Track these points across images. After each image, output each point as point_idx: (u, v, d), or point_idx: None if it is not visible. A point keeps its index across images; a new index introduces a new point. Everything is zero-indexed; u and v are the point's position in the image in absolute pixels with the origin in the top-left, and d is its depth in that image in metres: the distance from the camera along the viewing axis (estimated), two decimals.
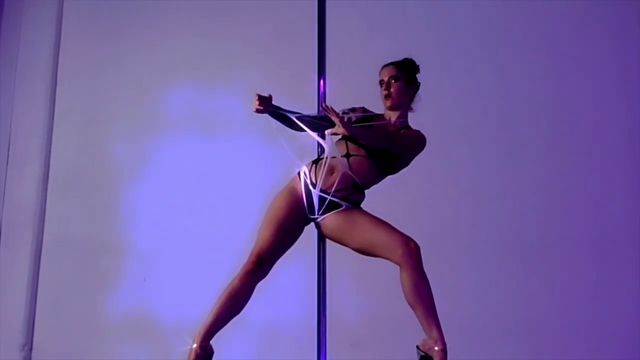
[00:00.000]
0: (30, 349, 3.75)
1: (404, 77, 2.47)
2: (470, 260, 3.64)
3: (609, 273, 3.64)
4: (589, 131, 3.81)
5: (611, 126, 3.81)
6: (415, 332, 3.04)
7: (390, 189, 3.66)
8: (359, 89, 3.35)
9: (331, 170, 2.33)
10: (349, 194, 2.32)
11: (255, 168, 3.83)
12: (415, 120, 3.95)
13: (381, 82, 2.48)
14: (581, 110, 3.83)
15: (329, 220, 2.33)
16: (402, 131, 2.41)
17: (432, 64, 3.72)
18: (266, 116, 2.78)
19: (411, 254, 2.23)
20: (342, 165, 2.33)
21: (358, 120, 2.44)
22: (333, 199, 2.29)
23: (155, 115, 3.99)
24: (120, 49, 4.10)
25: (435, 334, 2.21)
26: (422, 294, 2.24)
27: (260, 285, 3.31)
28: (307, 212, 2.34)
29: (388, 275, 3.26)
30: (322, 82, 2.73)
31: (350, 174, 2.32)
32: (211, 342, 2.32)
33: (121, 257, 3.81)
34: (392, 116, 2.44)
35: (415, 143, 2.44)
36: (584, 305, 3.59)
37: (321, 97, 2.72)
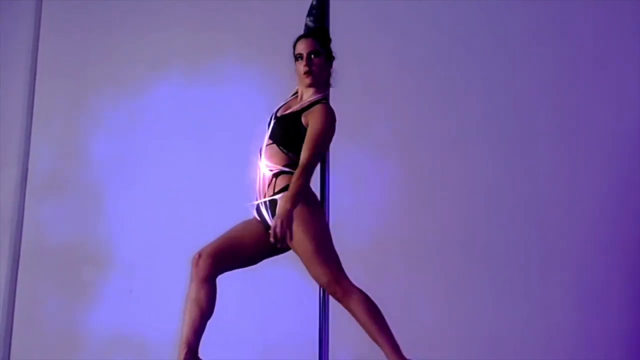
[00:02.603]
0: None
1: (324, 52, 2.40)
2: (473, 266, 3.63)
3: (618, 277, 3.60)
4: (603, 134, 3.77)
5: (626, 128, 3.75)
6: (423, 347, 3.05)
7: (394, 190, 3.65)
8: (356, 89, 3.62)
9: (264, 181, 2.44)
10: (277, 185, 2.38)
11: (248, 172, 3.75)
12: (424, 120, 3.98)
13: (298, 57, 2.39)
14: (594, 112, 3.79)
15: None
16: (315, 107, 2.38)
17: (437, 63, 3.92)
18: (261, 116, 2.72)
19: (334, 289, 2.29)
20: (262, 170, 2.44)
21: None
22: (267, 199, 2.39)
23: (141, 114, 3.97)
24: (103, 43, 4.11)
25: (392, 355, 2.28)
26: (369, 318, 2.31)
27: (260, 299, 3.63)
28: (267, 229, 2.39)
29: (393, 287, 3.54)
30: None
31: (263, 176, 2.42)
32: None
33: (105, 267, 3.78)
34: (306, 94, 2.40)
35: (330, 126, 2.40)
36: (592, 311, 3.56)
37: None
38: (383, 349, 2.30)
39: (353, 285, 2.35)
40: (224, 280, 2.76)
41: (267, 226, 2.39)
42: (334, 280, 2.29)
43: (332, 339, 2.59)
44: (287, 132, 2.39)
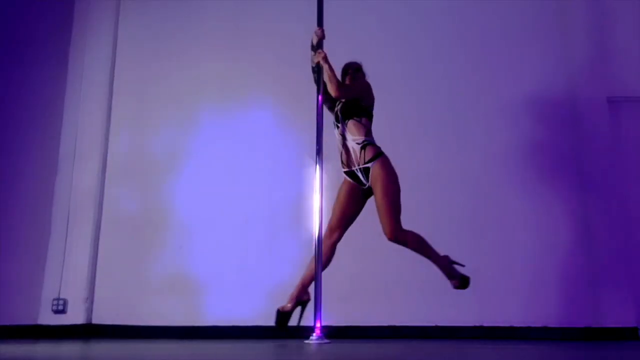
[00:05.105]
0: (92, 302, 4.01)
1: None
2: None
3: None
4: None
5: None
6: (386, 290, 3.72)
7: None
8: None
9: (347, 154, 2.81)
10: (366, 156, 2.76)
11: (267, 162, 4.14)
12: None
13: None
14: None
15: (371, 182, 2.78)
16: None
17: (433, 64, 4.11)
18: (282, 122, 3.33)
19: (393, 235, 2.71)
20: (344, 147, 2.81)
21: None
22: (361, 167, 2.79)
23: (189, 121, 4.27)
24: (164, 69, 4.39)
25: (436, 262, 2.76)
26: (418, 247, 2.73)
27: (270, 255, 3.90)
28: (362, 187, 2.84)
29: (369, 246, 3.65)
30: (319, 97, 3.07)
31: (352, 150, 2.76)
32: (232, 299, 2.79)
33: (162, 230, 4.09)
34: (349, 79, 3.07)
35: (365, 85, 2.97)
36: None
37: (319, 109, 3.04)
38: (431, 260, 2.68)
39: (405, 231, 2.70)
40: (236, 240, 3.39)
41: (362, 184, 2.79)
42: (395, 230, 2.65)
43: (324, 284, 2.92)
44: (353, 105, 2.81)
